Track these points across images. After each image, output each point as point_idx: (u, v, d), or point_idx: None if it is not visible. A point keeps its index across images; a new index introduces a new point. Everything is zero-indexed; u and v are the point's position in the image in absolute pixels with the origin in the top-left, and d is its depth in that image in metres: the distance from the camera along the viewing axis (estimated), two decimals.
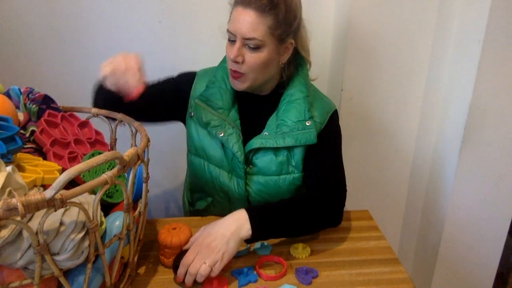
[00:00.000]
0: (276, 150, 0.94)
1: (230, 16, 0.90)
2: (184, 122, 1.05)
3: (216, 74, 1.00)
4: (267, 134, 0.95)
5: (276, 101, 0.98)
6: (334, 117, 1.00)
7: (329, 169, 0.97)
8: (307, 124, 0.93)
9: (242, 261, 0.85)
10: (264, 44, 0.86)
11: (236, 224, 0.80)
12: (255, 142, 0.94)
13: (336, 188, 0.95)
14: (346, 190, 0.97)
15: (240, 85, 0.93)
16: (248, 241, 0.82)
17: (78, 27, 1.23)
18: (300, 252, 0.87)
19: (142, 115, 0.95)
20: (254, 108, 1.00)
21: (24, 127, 0.78)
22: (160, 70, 1.30)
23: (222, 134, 0.94)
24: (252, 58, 0.88)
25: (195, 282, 0.76)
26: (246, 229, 0.80)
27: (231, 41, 0.89)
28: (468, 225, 1.28)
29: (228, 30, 0.88)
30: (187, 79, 1.03)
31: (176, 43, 1.28)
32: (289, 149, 0.94)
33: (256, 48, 0.87)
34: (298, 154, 0.94)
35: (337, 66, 1.30)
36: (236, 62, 0.88)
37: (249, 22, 0.84)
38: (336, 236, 0.95)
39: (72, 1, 1.20)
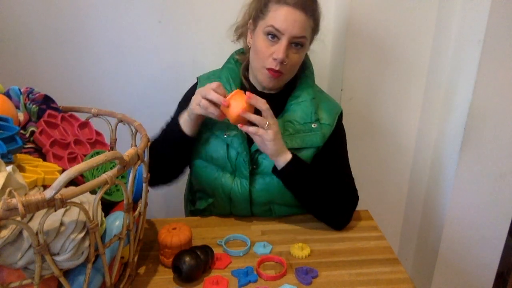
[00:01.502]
0: None
1: (268, 12, 0.88)
2: None
3: (221, 75, 1.00)
4: None
5: (282, 102, 0.99)
6: (341, 118, 1.01)
7: (342, 174, 1.00)
8: (313, 126, 0.95)
9: (242, 261, 0.85)
10: (306, 44, 0.91)
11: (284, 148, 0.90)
12: None
13: (351, 194, 1.00)
14: (358, 198, 1.00)
15: (277, 84, 0.95)
16: (279, 171, 0.90)
17: (78, 27, 1.23)
18: (300, 252, 0.87)
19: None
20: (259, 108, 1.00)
21: (24, 127, 0.78)
22: (160, 70, 1.30)
23: (227, 135, 0.95)
24: (295, 57, 0.91)
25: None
26: (287, 155, 0.89)
27: (273, 38, 0.88)
28: (468, 225, 1.28)
29: (273, 27, 0.87)
30: (191, 93, 1.02)
31: (176, 43, 1.28)
32: (295, 150, 0.94)
33: (301, 46, 0.90)
34: (304, 156, 0.95)
35: (337, 66, 1.30)
36: (283, 63, 0.89)
37: (301, 22, 0.87)
38: (336, 236, 0.95)
39: (72, 1, 1.20)
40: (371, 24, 1.21)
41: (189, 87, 1.06)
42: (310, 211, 0.99)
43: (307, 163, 0.94)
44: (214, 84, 0.85)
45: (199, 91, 0.87)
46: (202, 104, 0.86)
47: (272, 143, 0.86)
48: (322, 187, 0.94)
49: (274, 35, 0.88)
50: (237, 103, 0.84)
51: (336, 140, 0.99)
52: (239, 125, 0.85)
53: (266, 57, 0.89)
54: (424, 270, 1.42)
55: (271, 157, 0.90)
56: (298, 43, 0.89)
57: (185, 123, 0.92)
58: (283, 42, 0.87)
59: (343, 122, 1.04)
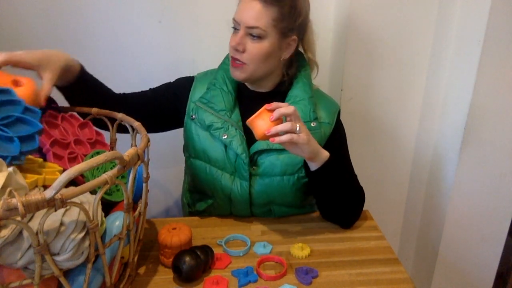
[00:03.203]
0: (280, 150, 0.94)
1: (237, 8, 0.92)
2: (182, 126, 1.04)
3: (217, 76, 1.00)
4: None
5: (279, 101, 0.99)
6: (339, 116, 1.02)
7: (348, 173, 1.00)
8: (312, 125, 0.94)
9: (242, 261, 0.85)
10: (267, 35, 0.88)
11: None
12: (261, 144, 0.94)
13: (360, 191, 0.99)
14: (364, 195, 1.00)
15: (239, 75, 0.94)
16: (313, 172, 0.88)
17: (78, 27, 1.23)
18: (300, 252, 0.87)
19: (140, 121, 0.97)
20: (256, 108, 0.99)
21: None
22: (160, 70, 1.30)
23: (225, 136, 0.94)
24: (254, 48, 0.89)
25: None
26: (324, 153, 0.88)
27: (235, 30, 0.91)
28: (468, 225, 1.28)
29: (233, 19, 0.91)
30: (185, 83, 1.03)
31: (176, 43, 1.28)
32: None
33: (258, 37, 0.88)
34: None
35: (337, 66, 1.30)
36: (237, 50, 0.90)
37: (254, 11, 0.87)
38: (336, 236, 0.95)
39: (72, 1, 1.20)
40: (371, 24, 1.21)
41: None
42: (324, 209, 0.98)
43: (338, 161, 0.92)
44: None
45: None
46: None
47: (307, 145, 0.81)
48: (343, 185, 0.93)
49: (235, 28, 0.91)
50: (263, 123, 0.80)
51: (337, 139, 0.99)
52: (270, 140, 0.80)
53: (230, 49, 0.93)
54: (424, 270, 1.42)
55: (310, 159, 0.87)
56: (255, 34, 0.88)
57: None
58: (240, 31, 0.89)
59: (342, 121, 1.04)
